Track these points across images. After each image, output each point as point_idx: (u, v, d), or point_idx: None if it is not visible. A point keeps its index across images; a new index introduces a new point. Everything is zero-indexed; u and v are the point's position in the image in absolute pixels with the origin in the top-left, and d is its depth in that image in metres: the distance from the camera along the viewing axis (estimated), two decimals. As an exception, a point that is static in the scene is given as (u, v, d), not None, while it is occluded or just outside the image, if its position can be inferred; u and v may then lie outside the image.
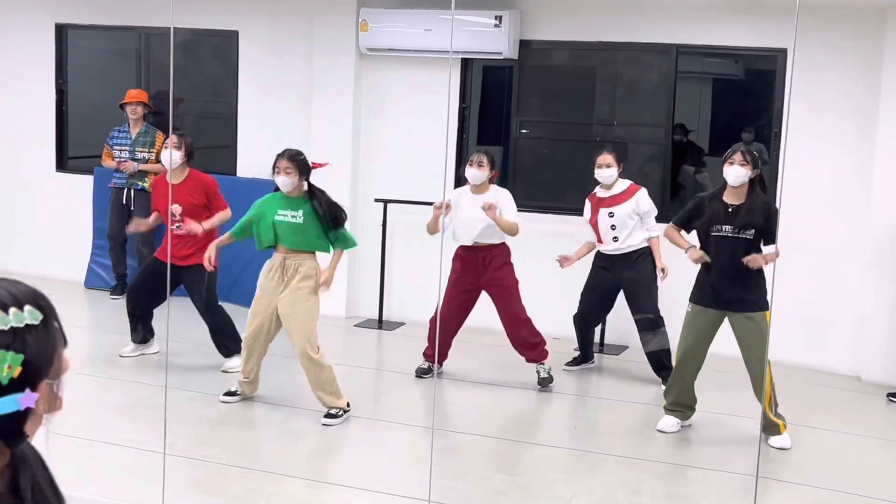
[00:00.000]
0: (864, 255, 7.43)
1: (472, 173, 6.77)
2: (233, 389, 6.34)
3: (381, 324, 8.49)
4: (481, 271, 6.83)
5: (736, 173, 5.62)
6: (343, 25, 8.45)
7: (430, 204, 7.74)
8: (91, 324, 8.56)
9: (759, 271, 5.65)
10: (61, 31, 9.73)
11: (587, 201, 7.17)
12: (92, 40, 9.95)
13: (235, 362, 6.73)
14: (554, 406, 6.76)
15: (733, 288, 5.65)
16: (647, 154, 8.42)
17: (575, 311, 7.36)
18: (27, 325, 1.41)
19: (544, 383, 6.86)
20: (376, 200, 8.46)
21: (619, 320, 7.70)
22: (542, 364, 6.88)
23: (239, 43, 9.06)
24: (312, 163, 6.16)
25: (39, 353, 1.42)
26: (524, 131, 8.55)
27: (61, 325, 1.48)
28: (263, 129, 9.02)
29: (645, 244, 6.99)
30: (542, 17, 8.17)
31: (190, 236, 6.77)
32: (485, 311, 7.47)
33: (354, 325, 8.41)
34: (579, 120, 8.67)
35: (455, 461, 5.42)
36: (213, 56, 9.50)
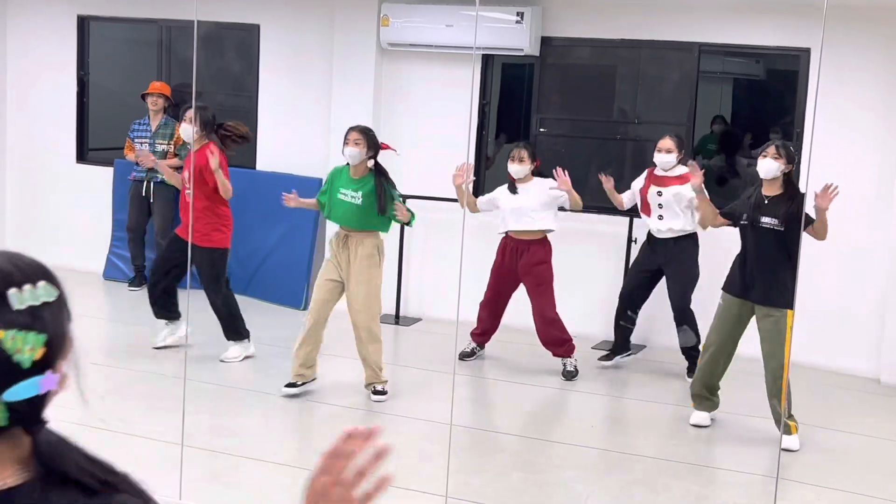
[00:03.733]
0: (886, 257, 7.37)
1: (515, 168, 6.95)
2: (293, 381, 6.31)
3: (398, 319, 8.48)
4: (520, 261, 7.04)
5: (768, 166, 5.69)
6: (364, 20, 8.45)
7: (449, 200, 7.74)
8: (109, 315, 8.59)
9: (788, 270, 5.60)
10: (83, 23, 9.76)
11: (645, 171, 7.20)
12: (114, 31, 9.97)
13: (236, 352, 6.96)
14: (572, 404, 6.75)
15: (764, 279, 5.72)
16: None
17: (594, 309, 7.34)
18: (44, 303, 1.32)
19: (569, 376, 7.03)
20: (395, 196, 8.44)
21: (638, 318, 7.67)
22: (569, 358, 7.07)
23: (260, 37, 9.07)
24: (382, 143, 6.28)
25: (58, 331, 1.33)
26: (543, 129, 8.52)
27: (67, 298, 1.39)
28: (283, 123, 9.04)
29: (690, 230, 6.96)
30: (564, 14, 8.14)
31: (207, 213, 6.79)
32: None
33: (371, 321, 8.40)
34: (600, 118, 8.63)
35: (472, 458, 5.41)
36: (234, 49, 9.51)
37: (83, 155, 9.93)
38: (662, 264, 7.08)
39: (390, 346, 7.97)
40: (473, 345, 7.42)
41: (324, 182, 6.50)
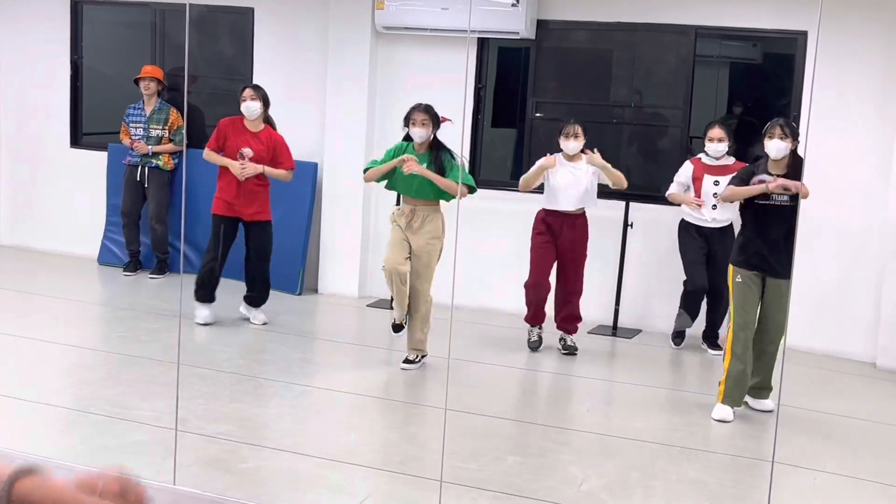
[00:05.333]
0: (883, 240, 7.36)
1: (570, 145, 6.96)
2: (411, 357, 6.65)
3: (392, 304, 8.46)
4: (565, 234, 7.06)
5: (777, 147, 5.84)
6: (359, 3, 8.40)
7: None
8: (104, 300, 8.56)
9: (792, 243, 5.87)
10: (76, 7, 9.70)
11: (688, 163, 7.25)
12: (107, 14, 9.92)
13: (263, 317, 7.43)
14: (567, 387, 6.75)
15: (778, 254, 5.87)
16: (668, 135, 8.35)
17: (590, 294, 7.34)
18: None
19: (571, 350, 7.15)
20: (390, 180, 8.41)
21: (634, 302, 7.65)
22: (572, 335, 7.22)
23: (254, 20, 9.02)
24: (442, 117, 6.50)
25: None
26: (539, 114, 8.48)
27: None
28: (277, 108, 8.96)
29: (732, 218, 7.11)
30: (560, -3, 8.10)
31: (253, 193, 7.14)
32: (497, 292, 7.44)
33: (367, 305, 8.39)
34: (596, 102, 8.60)
35: (467, 442, 5.40)
36: (228, 33, 9.46)
37: (77, 139, 9.89)
38: (713, 253, 7.22)
39: (385, 330, 7.96)
40: (536, 331, 7.29)
41: (384, 153, 6.64)
